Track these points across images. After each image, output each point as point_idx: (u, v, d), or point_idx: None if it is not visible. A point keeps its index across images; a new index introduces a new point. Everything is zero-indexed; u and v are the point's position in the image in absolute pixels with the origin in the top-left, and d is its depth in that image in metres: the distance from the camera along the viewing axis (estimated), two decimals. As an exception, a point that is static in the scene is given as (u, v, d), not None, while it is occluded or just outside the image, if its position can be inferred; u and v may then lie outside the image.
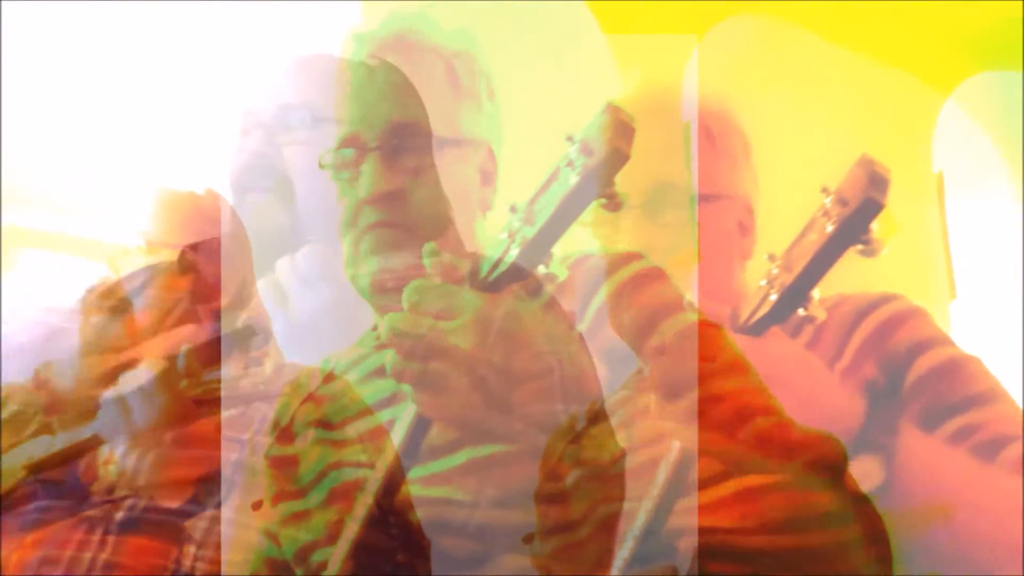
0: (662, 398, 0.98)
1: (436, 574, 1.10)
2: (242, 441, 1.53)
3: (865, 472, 1.01)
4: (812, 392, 1.10)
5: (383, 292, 1.25)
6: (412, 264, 1.20)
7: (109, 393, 1.50)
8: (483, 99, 1.33)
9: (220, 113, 1.90)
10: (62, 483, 1.58)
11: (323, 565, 1.12)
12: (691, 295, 1.30)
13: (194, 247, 1.67)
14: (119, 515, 1.52)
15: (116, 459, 1.56)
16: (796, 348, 1.17)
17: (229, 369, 1.56)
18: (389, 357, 1.02)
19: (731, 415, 0.98)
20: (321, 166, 1.29)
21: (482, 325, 1.00)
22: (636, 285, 1.13)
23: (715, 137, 1.45)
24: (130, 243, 1.75)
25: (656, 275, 1.15)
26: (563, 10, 1.97)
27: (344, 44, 1.32)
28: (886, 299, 1.35)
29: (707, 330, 1.05)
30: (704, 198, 1.38)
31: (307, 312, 1.63)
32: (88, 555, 1.51)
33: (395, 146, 1.25)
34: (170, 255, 1.68)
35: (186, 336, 1.60)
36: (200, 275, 1.64)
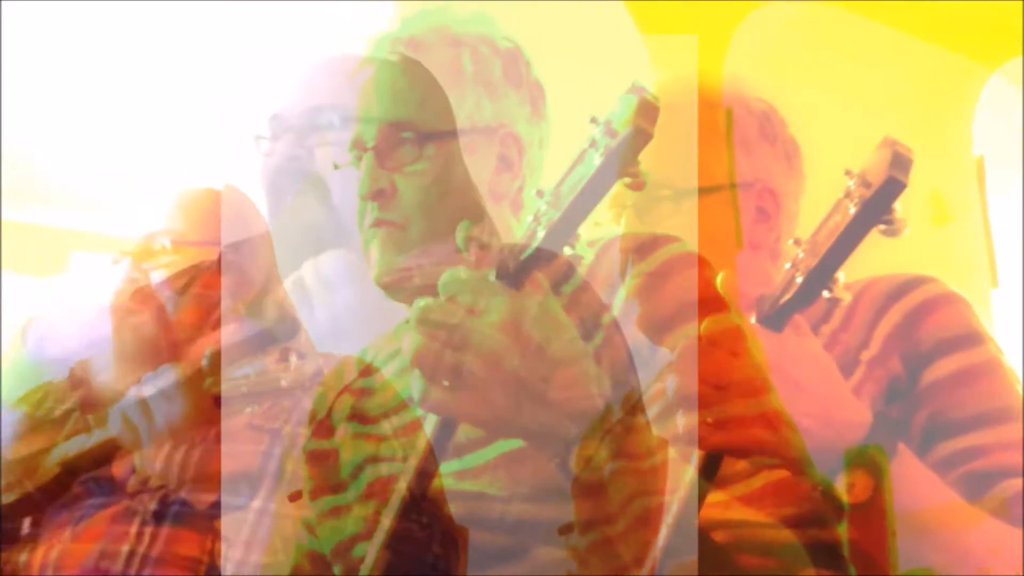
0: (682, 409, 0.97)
1: (474, 566, 1.10)
2: (275, 431, 1.55)
3: (854, 486, 0.99)
4: (823, 398, 1.09)
5: (390, 288, 1.26)
6: (412, 260, 1.22)
7: (130, 393, 1.53)
8: (498, 84, 1.32)
9: (248, 115, 1.92)
10: (111, 480, 1.61)
11: (362, 560, 1.12)
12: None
13: (233, 247, 1.69)
14: (153, 507, 1.55)
15: (157, 456, 1.59)
16: (815, 349, 1.16)
17: (259, 363, 1.57)
18: (409, 341, 1.01)
19: (735, 447, 0.96)
20: (335, 167, 1.33)
21: (514, 322, 1.00)
22: (668, 271, 1.10)
23: (718, 128, 1.42)
24: (152, 241, 1.77)
25: (692, 261, 1.11)
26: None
27: (365, 46, 1.34)
28: (919, 282, 1.33)
29: (730, 338, 1.01)
30: (710, 189, 1.36)
31: (329, 316, 1.64)
32: (126, 547, 1.54)
33: (388, 145, 1.27)
34: (197, 252, 1.71)
35: (228, 335, 1.62)
36: (240, 274, 1.66)
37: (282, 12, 2.57)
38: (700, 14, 1.78)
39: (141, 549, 1.55)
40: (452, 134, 1.28)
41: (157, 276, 1.73)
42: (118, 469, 1.63)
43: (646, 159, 0.95)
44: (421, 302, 1.02)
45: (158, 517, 1.56)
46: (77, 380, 1.68)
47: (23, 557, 1.62)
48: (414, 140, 1.27)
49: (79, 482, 1.63)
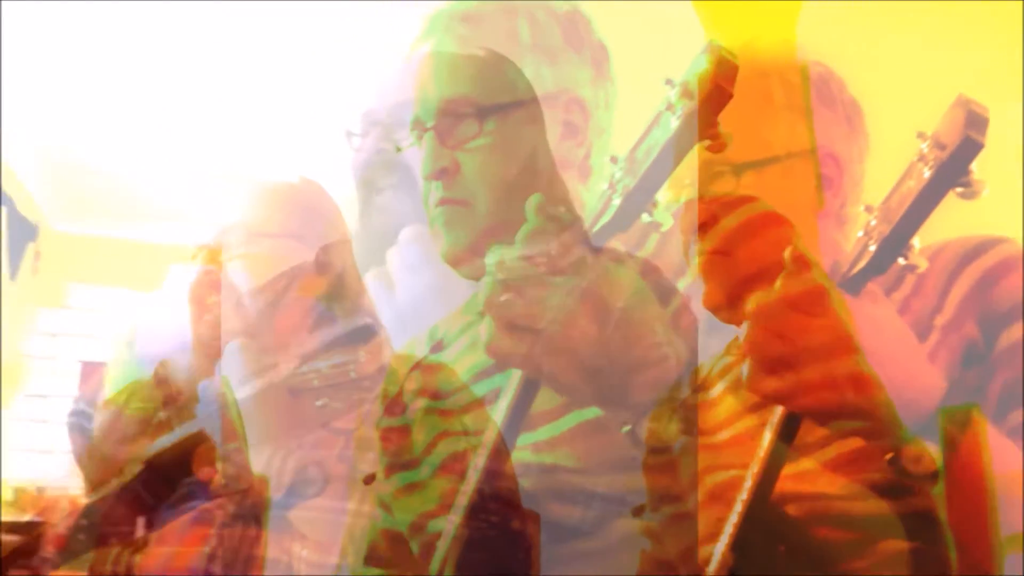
0: (753, 371, 0.93)
1: (550, 541, 1.09)
2: (349, 433, 1.56)
3: (920, 459, 0.94)
4: (897, 366, 1.05)
5: (459, 266, 1.26)
6: (478, 237, 1.21)
7: (210, 391, 1.56)
8: (558, 49, 1.32)
9: (337, 112, 1.95)
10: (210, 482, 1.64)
11: (439, 535, 1.12)
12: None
13: (325, 249, 1.71)
14: (232, 509, 1.58)
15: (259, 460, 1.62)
16: (890, 314, 1.12)
17: (335, 359, 1.59)
18: (486, 329, 1.02)
19: (818, 410, 0.92)
20: (397, 150, 1.34)
21: (589, 285, 0.99)
22: (748, 231, 1.06)
23: (773, 95, 1.37)
24: (228, 233, 1.80)
25: (773, 220, 1.06)
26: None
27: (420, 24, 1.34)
28: (993, 243, 1.27)
29: (808, 299, 0.95)
30: (769, 160, 1.32)
31: (411, 297, 1.65)
32: (206, 549, 1.56)
33: (448, 123, 1.26)
34: (273, 245, 1.73)
35: (323, 336, 1.64)
36: (334, 275, 1.68)
37: (371, 11, 2.62)
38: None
39: (221, 551, 1.58)
40: (513, 106, 1.27)
41: (233, 268, 1.76)
42: (200, 470, 1.66)
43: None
44: (497, 255, 1.03)
45: (238, 519, 1.59)
46: (160, 378, 1.71)
47: (137, 559, 1.66)
48: (474, 115, 1.25)
49: (185, 483, 1.66)
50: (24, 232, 4.75)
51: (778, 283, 0.93)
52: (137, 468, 1.62)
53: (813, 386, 0.90)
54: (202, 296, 1.75)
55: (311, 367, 1.53)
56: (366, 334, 1.60)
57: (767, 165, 1.28)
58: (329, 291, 1.65)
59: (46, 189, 4.80)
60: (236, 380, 1.66)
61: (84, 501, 1.88)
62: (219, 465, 1.58)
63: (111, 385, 1.87)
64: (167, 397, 1.66)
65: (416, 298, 1.62)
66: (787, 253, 0.95)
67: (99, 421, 1.78)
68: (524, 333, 1.02)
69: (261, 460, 1.61)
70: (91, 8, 3.24)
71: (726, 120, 1.04)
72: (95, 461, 1.76)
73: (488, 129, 1.25)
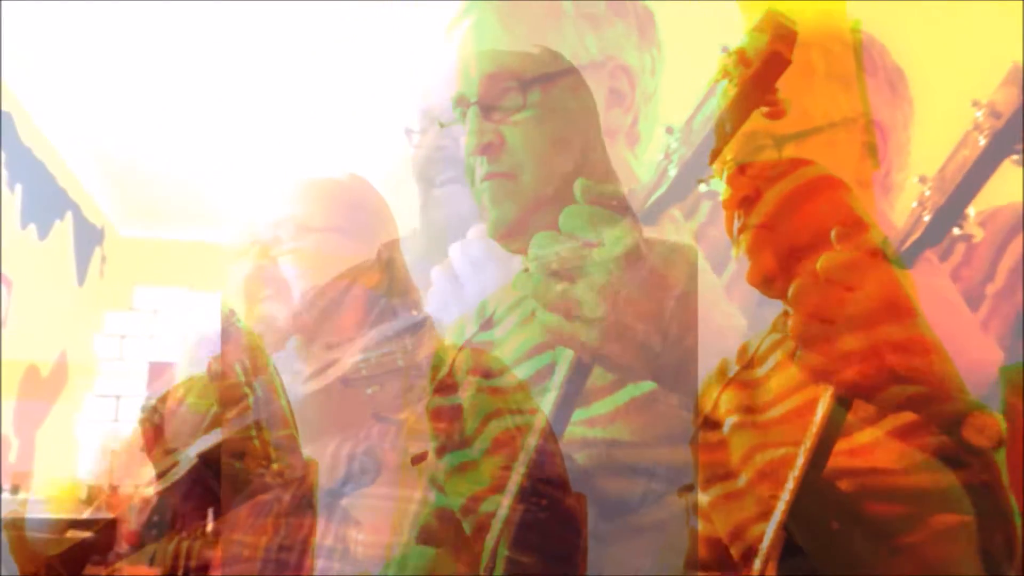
0: (798, 348, 0.92)
1: (601, 517, 1.09)
2: (400, 422, 1.57)
3: (985, 427, 0.92)
4: (953, 336, 1.02)
5: (506, 239, 1.26)
6: (525, 210, 1.20)
7: (263, 383, 1.58)
8: (602, 16, 1.30)
9: (396, 110, 1.96)
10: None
11: (491, 515, 1.12)
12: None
13: (388, 244, 1.72)
14: (287, 498, 1.59)
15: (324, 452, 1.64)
16: (944, 284, 1.10)
17: (384, 348, 1.60)
18: (540, 318, 1.02)
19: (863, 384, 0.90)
20: (440, 126, 1.31)
21: (637, 255, 0.99)
22: (801, 197, 1.03)
23: (815, 64, 1.35)
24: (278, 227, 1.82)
25: (828, 183, 1.04)
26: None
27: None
28: None
29: (845, 270, 0.93)
30: (812, 131, 1.29)
31: (478, 292, 1.65)
32: (264, 540, 1.58)
33: (492, 98, 1.26)
34: (321, 239, 1.75)
35: (384, 330, 1.65)
36: (396, 270, 1.69)
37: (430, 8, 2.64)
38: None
39: (277, 541, 1.60)
40: (557, 76, 1.25)
41: (284, 263, 1.78)
42: (254, 462, 1.68)
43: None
44: (544, 244, 1.02)
45: (293, 508, 1.61)
46: (214, 374, 1.74)
47: (209, 552, 1.69)
48: (517, 89, 1.24)
49: (242, 475, 1.68)
50: (90, 237, 4.86)
51: (822, 258, 0.91)
52: (192, 463, 1.65)
53: (854, 359, 0.88)
54: (254, 291, 1.77)
55: (362, 357, 1.55)
56: (420, 326, 1.61)
57: (809, 136, 1.26)
58: (390, 286, 1.67)
59: (110, 195, 4.90)
60: (298, 378, 1.68)
61: (153, 497, 1.92)
62: (272, 453, 1.61)
63: (178, 381, 1.90)
64: (222, 392, 1.69)
65: (484, 292, 1.63)
66: (847, 216, 0.94)
67: (164, 416, 1.82)
68: (580, 322, 1.01)
69: (322, 451, 1.63)
70: (152, 14, 3.30)
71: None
72: (161, 455, 1.79)
73: (532, 101, 1.24)
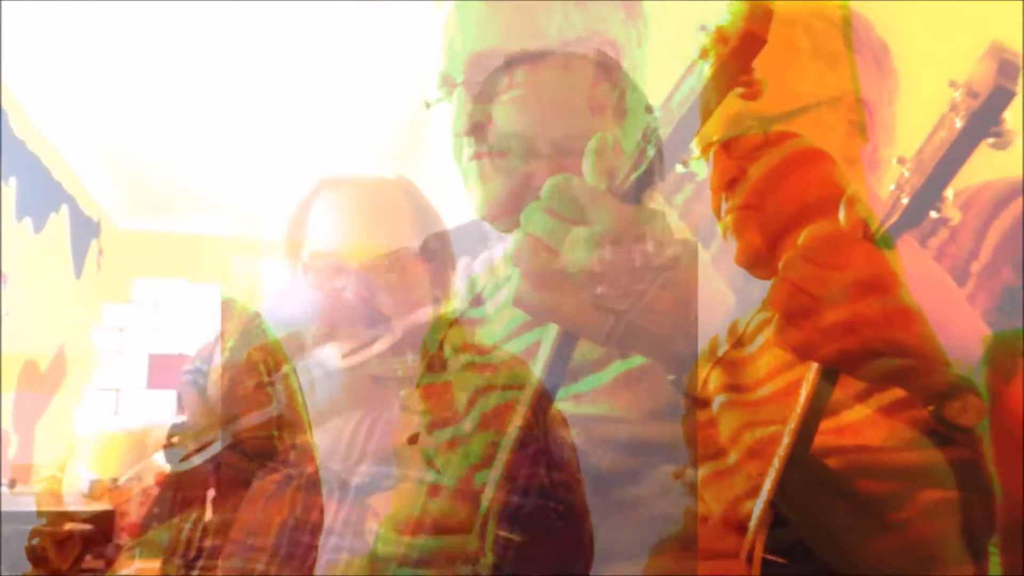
0: (779, 325, 0.92)
1: (591, 491, 1.09)
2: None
3: (968, 407, 0.93)
4: (940, 315, 1.04)
5: (496, 220, 1.25)
6: (514, 189, 1.20)
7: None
8: None
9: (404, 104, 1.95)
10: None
11: (483, 488, 1.12)
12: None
13: (436, 236, 1.72)
14: (297, 483, 1.62)
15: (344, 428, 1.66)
16: (928, 263, 1.11)
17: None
18: (515, 283, 1.01)
19: (844, 357, 0.91)
20: (427, 106, 1.30)
21: (620, 233, 0.98)
22: (786, 170, 1.05)
23: (797, 43, 1.32)
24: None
25: (814, 156, 1.05)
26: None
27: None
28: None
29: (825, 248, 0.94)
30: (798, 111, 1.30)
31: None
32: (278, 519, 1.61)
33: (479, 76, 1.24)
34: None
35: (422, 318, 1.66)
36: (439, 262, 1.69)
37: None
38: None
39: (292, 520, 1.62)
40: (544, 53, 1.24)
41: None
42: (274, 451, 1.70)
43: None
44: (527, 209, 1.02)
45: (301, 491, 1.63)
46: (253, 364, 1.75)
47: (210, 541, 1.71)
48: (504, 67, 1.23)
49: (261, 461, 1.70)
50: (87, 230, 4.86)
51: (806, 231, 0.92)
52: (224, 444, 1.67)
53: (836, 332, 0.89)
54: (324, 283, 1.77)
55: (399, 359, 1.55)
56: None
57: (796, 116, 1.27)
58: (433, 275, 1.67)
59: (107, 188, 4.90)
60: (332, 356, 1.68)
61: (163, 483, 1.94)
62: (292, 456, 1.63)
63: (229, 345, 1.91)
64: (246, 391, 1.71)
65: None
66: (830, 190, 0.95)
67: (213, 381, 1.83)
68: (564, 295, 1.01)
69: (344, 425, 1.64)
70: (148, 5, 3.29)
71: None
72: (205, 417, 1.80)
73: (519, 80, 1.23)
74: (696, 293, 1.00)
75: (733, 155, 1.10)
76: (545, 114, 1.24)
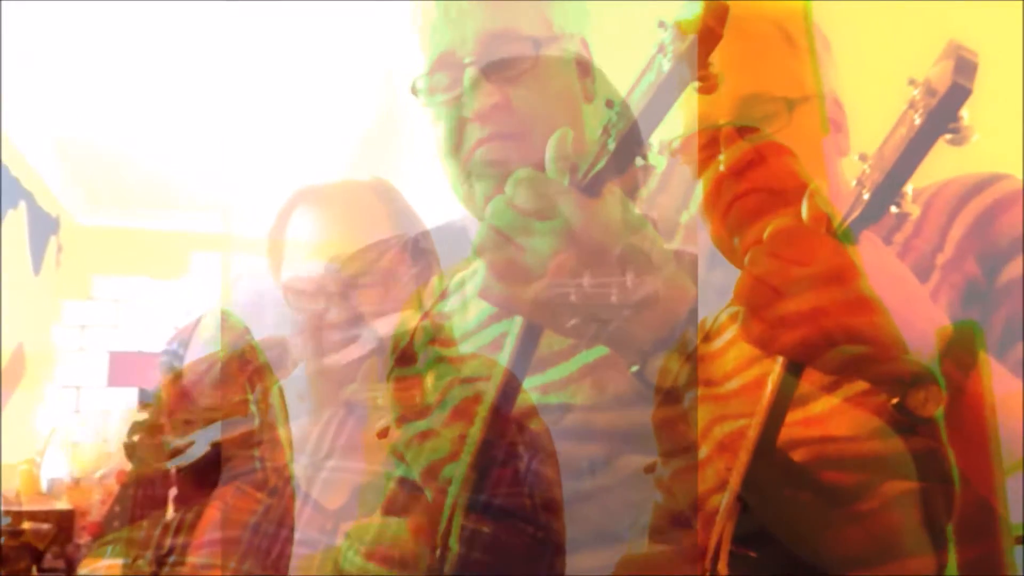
0: (742, 318, 0.93)
1: (563, 480, 1.10)
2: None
3: (928, 398, 0.95)
4: (901, 309, 1.05)
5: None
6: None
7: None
8: None
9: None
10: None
11: (451, 481, 1.13)
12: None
13: (425, 234, 1.71)
14: (268, 487, 1.62)
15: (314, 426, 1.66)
16: (890, 259, 1.12)
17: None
18: (480, 275, 1.03)
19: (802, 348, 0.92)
20: (413, 92, 1.25)
21: (582, 226, 1.00)
22: (750, 164, 1.03)
23: (794, 38, 1.35)
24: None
25: (777, 151, 1.04)
26: None
27: None
28: (993, 179, 1.27)
29: (784, 239, 0.95)
30: (795, 102, 1.31)
31: None
32: (253, 519, 1.61)
33: (492, 56, 1.21)
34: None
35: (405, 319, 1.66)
36: (428, 261, 1.69)
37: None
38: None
39: (265, 524, 1.62)
40: (549, 40, 1.23)
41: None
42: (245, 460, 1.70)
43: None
44: (492, 203, 1.03)
45: (274, 494, 1.63)
46: (234, 370, 1.75)
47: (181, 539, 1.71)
48: (521, 47, 1.20)
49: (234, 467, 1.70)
50: (45, 226, 4.80)
51: (769, 226, 0.94)
52: (204, 449, 1.67)
53: (795, 322, 0.91)
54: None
55: (381, 390, 1.54)
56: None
57: (800, 104, 1.27)
58: (419, 274, 1.67)
59: (67, 184, 4.84)
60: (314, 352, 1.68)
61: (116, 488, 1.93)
62: (272, 481, 1.63)
63: (205, 333, 1.90)
64: (228, 407, 1.70)
65: None
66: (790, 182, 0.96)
67: (191, 364, 1.82)
68: (513, 276, 1.02)
69: (316, 421, 1.65)
70: (107, 3, 3.26)
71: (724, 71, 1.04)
72: (180, 424, 1.79)
73: (531, 61, 1.21)
74: (683, 313, 1.02)
75: (704, 133, 1.11)
76: (558, 96, 1.23)
